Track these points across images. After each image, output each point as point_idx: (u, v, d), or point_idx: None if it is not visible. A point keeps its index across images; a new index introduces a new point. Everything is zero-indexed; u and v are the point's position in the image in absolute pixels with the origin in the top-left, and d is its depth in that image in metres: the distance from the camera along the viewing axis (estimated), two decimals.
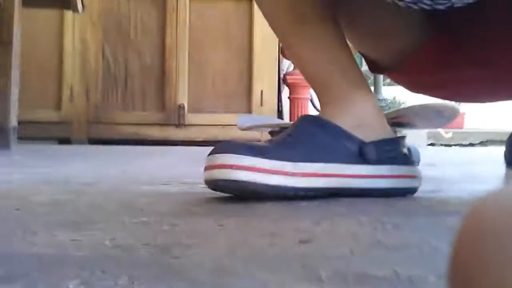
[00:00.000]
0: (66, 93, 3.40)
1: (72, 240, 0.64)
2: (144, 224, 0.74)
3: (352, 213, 0.85)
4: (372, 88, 4.00)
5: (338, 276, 0.51)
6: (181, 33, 3.40)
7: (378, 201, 0.99)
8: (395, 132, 1.73)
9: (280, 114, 3.56)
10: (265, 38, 3.41)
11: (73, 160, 1.88)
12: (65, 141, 3.31)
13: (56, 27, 3.41)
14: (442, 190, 1.16)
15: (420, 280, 0.50)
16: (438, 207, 0.93)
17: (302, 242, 0.65)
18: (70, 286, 0.46)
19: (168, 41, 3.40)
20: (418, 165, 1.66)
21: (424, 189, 1.17)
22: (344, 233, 0.70)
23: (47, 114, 3.33)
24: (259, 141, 2.40)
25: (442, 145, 4.70)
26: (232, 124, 3.34)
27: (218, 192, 1.06)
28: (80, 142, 3.33)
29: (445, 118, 1.51)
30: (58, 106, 3.39)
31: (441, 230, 0.74)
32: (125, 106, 3.39)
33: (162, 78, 3.39)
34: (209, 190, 1.11)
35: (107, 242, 0.63)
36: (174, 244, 0.62)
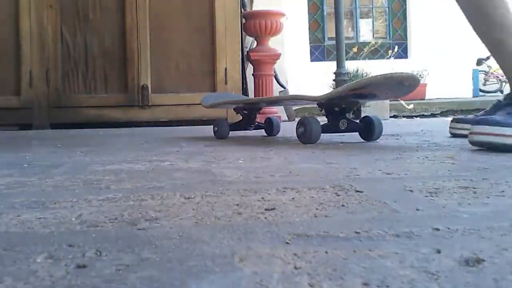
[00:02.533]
0: (25, 78, 3.31)
1: (38, 218, 0.64)
2: (111, 201, 0.74)
3: (316, 182, 0.87)
4: (335, 62, 4.03)
5: (302, 238, 0.53)
6: (141, 13, 3.34)
7: (341, 170, 1.01)
8: (357, 104, 1.77)
9: (245, 91, 3.56)
10: (227, 15, 3.39)
11: (36, 145, 1.85)
12: (26, 126, 3.24)
13: (12, 10, 3.30)
14: (403, 157, 1.20)
15: (378, 238, 0.52)
16: (399, 174, 0.95)
17: (267, 210, 0.67)
18: (38, 260, 0.47)
19: (128, 21, 3.33)
20: (379, 137, 1.71)
21: (386, 157, 1.21)
22: (308, 200, 0.72)
23: (6, 101, 3.24)
24: (226, 118, 2.41)
25: (404, 116, 4.79)
26: (197, 103, 3.32)
27: (183, 168, 1.07)
28: (41, 127, 3.26)
29: (406, 87, 1.54)
30: (17, 91, 3.30)
31: (401, 194, 0.76)
32: (86, 89, 3.33)
33: (123, 59, 3.33)
34: (174, 167, 1.12)
35: (73, 219, 0.63)
36: (141, 218, 0.63)
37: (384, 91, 1.63)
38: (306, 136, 1.64)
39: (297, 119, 2.20)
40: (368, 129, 1.70)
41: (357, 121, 1.78)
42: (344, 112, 1.71)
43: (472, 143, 1.35)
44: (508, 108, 1.42)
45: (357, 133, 1.95)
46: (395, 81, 1.52)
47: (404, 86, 1.54)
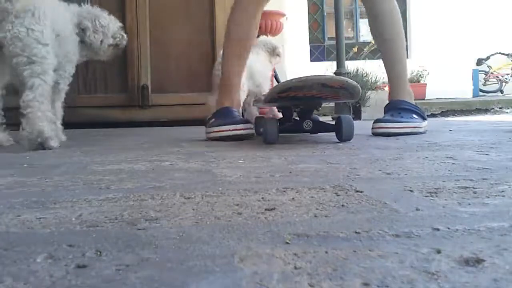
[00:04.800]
0: None
1: (38, 218, 0.64)
2: (111, 201, 0.74)
3: (316, 182, 0.87)
4: (335, 62, 4.04)
5: (302, 238, 0.53)
6: (141, 13, 3.34)
7: (341, 170, 1.01)
8: (319, 104, 1.75)
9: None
10: (226, 16, 3.38)
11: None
12: None
13: None
14: (403, 157, 1.20)
15: (378, 238, 0.52)
16: (399, 174, 0.95)
17: (267, 210, 0.67)
18: (38, 260, 0.47)
19: (128, 22, 3.33)
20: (349, 138, 1.68)
21: (386, 157, 1.21)
22: (308, 200, 0.72)
23: (6, 100, 3.24)
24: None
25: None
26: (197, 103, 3.32)
27: (183, 168, 1.07)
28: None
29: (337, 89, 1.60)
30: (17, 91, 3.30)
31: (401, 194, 0.76)
32: (86, 89, 3.33)
33: (123, 59, 3.32)
34: (174, 167, 1.12)
35: (73, 219, 0.63)
36: (141, 218, 0.63)
37: (321, 93, 1.62)
38: (263, 136, 1.68)
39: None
40: (338, 130, 1.69)
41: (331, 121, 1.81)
42: (307, 113, 1.72)
43: (375, 134, 1.88)
44: (391, 111, 1.96)
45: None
46: (316, 82, 1.55)
47: (332, 87, 1.58)
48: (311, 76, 1.55)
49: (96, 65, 3.34)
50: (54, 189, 0.87)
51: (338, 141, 1.67)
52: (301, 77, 1.56)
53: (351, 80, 1.59)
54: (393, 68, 2.02)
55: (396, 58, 2.04)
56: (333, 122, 1.75)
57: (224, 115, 1.88)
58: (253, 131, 1.84)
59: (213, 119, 1.90)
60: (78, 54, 2.09)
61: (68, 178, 0.99)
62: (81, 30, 2.07)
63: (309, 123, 1.69)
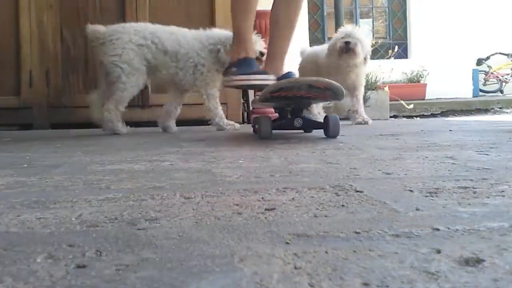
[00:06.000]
0: (25, 78, 3.31)
1: (38, 218, 0.64)
2: (111, 201, 0.74)
3: (316, 182, 0.87)
4: None
5: (302, 238, 0.53)
6: (141, 13, 3.34)
7: (341, 170, 1.01)
8: (308, 104, 1.88)
9: (245, 91, 3.56)
10: (227, 16, 3.38)
11: (36, 144, 1.85)
12: (26, 126, 3.24)
13: (12, 11, 3.30)
14: (403, 157, 1.20)
15: (378, 238, 0.52)
16: (399, 174, 0.95)
17: (267, 210, 0.67)
18: (38, 260, 0.47)
19: (128, 21, 3.33)
20: (336, 134, 1.83)
21: (386, 157, 1.21)
22: (308, 200, 0.72)
23: (6, 101, 3.24)
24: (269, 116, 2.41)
25: (404, 116, 4.78)
26: (196, 103, 3.31)
27: (183, 168, 1.07)
28: (42, 127, 3.25)
29: (323, 90, 1.75)
30: (17, 91, 3.30)
31: (401, 194, 0.76)
32: (87, 89, 3.32)
33: None
34: (174, 167, 1.12)
35: (73, 219, 0.63)
36: (141, 218, 0.63)
37: (309, 93, 1.78)
38: (258, 132, 1.87)
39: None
40: (325, 127, 1.86)
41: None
42: (298, 111, 1.90)
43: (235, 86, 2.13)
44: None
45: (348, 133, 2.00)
46: (304, 83, 1.73)
47: (319, 88, 1.75)
48: (299, 78, 1.76)
49: (96, 65, 3.34)
50: (54, 189, 0.87)
51: (341, 142, 1.67)
52: (291, 79, 1.75)
53: (335, 82, 1.75)
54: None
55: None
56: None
57: (245, 65, 2.08)
58: (271, 82, 1.97)
59: (234, 69, 2.10)
60: (200, 63, 2.72)
61: (68, 178, 0.99)
62: (217, 51, 2.70)
63: (299, 120, 1.86)
